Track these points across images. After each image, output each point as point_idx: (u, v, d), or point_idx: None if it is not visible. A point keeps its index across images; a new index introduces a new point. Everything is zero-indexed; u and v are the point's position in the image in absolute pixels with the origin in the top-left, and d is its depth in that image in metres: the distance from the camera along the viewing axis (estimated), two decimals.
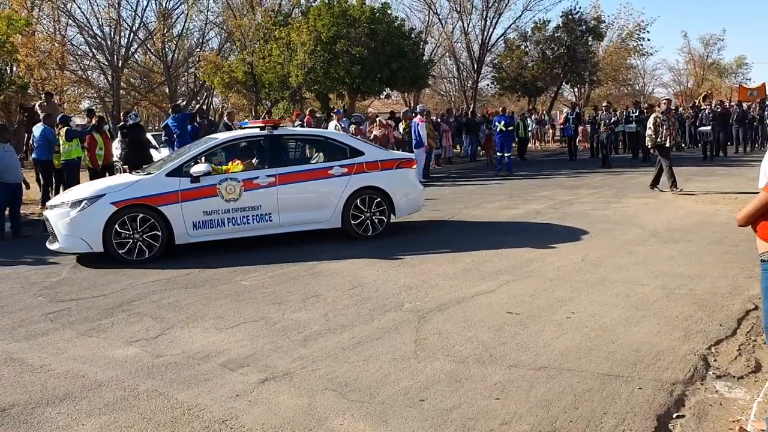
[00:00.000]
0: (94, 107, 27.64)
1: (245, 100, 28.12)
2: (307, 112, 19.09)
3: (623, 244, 8.14)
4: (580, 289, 6.13)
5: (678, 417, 3.66)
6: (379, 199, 8.99)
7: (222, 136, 9.38)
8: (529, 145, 26.54)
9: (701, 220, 9.72)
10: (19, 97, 20.93)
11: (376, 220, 9.00)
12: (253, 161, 8.88)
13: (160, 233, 7.88)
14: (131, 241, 7.76)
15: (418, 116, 17.94)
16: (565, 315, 5.38)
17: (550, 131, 32.07)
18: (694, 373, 4.18)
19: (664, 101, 14.60)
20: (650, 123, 13.23)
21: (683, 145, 24.92)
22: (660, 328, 5.01)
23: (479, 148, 22.16)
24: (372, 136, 16.58)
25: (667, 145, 12.97)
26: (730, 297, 5.76)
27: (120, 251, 7.70)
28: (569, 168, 19.31)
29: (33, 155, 12.62)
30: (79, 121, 24.44)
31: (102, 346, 5.00)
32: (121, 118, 14.91)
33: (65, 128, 12.22)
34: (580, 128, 22.78)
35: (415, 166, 9.86)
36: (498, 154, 19.11)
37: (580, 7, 32.14)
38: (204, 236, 8.17)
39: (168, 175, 8.11)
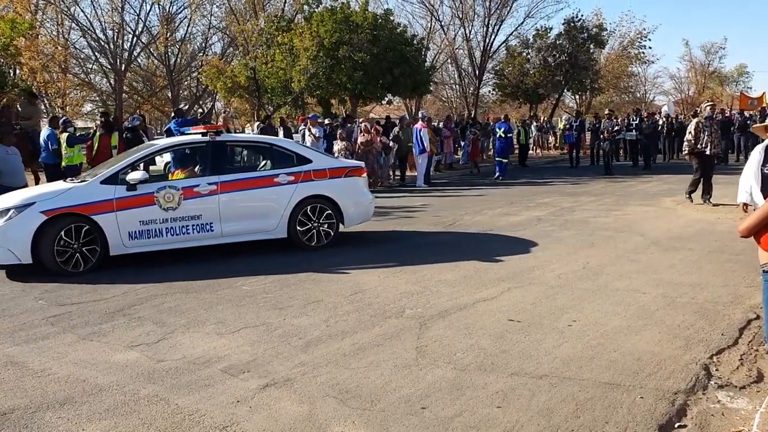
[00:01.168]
0: (96, 110, 27.73)
1: (247, 105, 28.16)
2: (308, 117, 19.11)
3: (624, 251, 8.13)
4: (582, 297, 6.13)
5: (680, 427, 3.65)
6: (327, 209, 8.74)
7: (162, 142, 9.06)
8: (530, 152, 26.57)
9: (702, 228, 9.72)
10: (22, 100, 20.97)
11: (324, 230, 8.76)
12: (195, 169, 8.65)
13: (96, 244, 7.52)
14: (70, 251, 7.39)
15: (420, 122, 17.99)
16: (566, 323, 5.37)
17: (552, 138, 32.11)
18: (695, 383, 4.17)
19: (708, 105, 13.16)
20: (691, 128, 12.41)
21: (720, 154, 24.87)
22: (661, 337, 5.00)
23: (468, 154, 21.81)
24: (358, 143, 16.64)
25: (707, 152, 12.05)
26: (731, 306, 5.76)
27: (60, 261, 7.31)
28: (570, 175, 19.33)
29: (41, 158, 12.70)
30: (81, 124, 24.48)
31: (103, 351, 4.99)
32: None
33: (66, 133, 12.25)
34: (582, 135, 22.84)
35: (364, 175, 9.52)
36: (497, 159, 19.25)
37: (582, 15, 32.00)
38: (140, 247, 7.80)
39: (103, 182, 7.72)
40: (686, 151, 12.47)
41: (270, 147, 9.15)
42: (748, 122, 22.90)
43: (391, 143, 17.61)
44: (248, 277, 7.24)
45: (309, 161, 8.84)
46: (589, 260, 7.67)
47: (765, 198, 5.79)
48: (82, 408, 3.98)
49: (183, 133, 10.40)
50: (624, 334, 5.07)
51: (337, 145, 16.68)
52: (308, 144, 15.60)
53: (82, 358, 4.84)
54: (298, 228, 8.57)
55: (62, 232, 7.32)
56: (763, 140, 6.03)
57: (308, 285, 6.87)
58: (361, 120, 18.68)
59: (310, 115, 18.83)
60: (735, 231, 5.95)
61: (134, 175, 7.75)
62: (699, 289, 6.35)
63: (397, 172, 18.59)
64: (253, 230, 8.41)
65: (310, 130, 16.91)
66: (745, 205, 6.21)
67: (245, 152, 9.79)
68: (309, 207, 8.63)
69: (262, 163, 9.05)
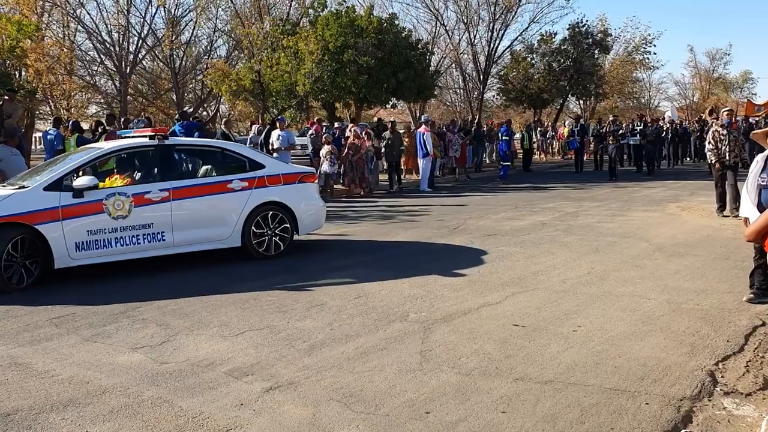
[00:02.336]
0: (101, 113, 27.79)
1: (252, 108, 28.19)
2: (315, 120, 19.15)
3: (629, 257, 8.11)
4: (587, 302, 6.11)
5: None
6: (281, 216, 8.46)
7: (108, 145, 8.41)
8: (534, 157, 26.55)
9: (707, 234, 9.69)
10: (27, 102, 21.02)
11: (279, 238, 8.47)
12: (135, 175, 8.23)
13: (38, 256, 6.96)
14: (15, 265, 6.82)
15: (423, 126, 17.98)
16: (571, 328, 5.35)
17: (556, 143, 32.09)
18: (701, 389, 4.15)
19: (726, 112, 12.22)
20: (710, 137, 11.74)
21: (738, 162, 24.75)
22: (667, 343, 4.98)
23: (455, 162, 21.13)
24: (346, 147, 16.44)
25: (728, 162, 11.37)
26: (737, 312, 5.73)
27: (6, 275, 6.74)
28: (574, 180, 19.30)
29: (45, 159, 12.76)
30: (85, 126, 24.48)
31: (106, 352, 4.99)
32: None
33: (76, 135, 12.29)
34: (585, 139, 22.83)
35: (316, 181, 9.30)
36: (504, 163, 19.40)
37: (586, 20, 32.03)
38: (87, 259, 7.27)
39: (46, 189, 7.11)
40: (712, 161, 11.68)
41: (221, 151, 8.74)
42: (753, 128, 22.88)
43: (382, 148, 17.35)
44: (252, 279, 7.24)
45: (262, 166, 8.54)
46: (594, 266, 7.65)
47: (760, 210, 5.69)
48: (86, 410, 3.97)
49: (120, 136, 9.81)
50: (629, 340, 5.05)
51: (324, 150, 16.54)
52: (275, 146, 15.27)
53: (86, 359, 4.84)
54: (252, 237, 8.26)
55: (9, 246, 6.73)
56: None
57: (312, 288, 6.87)
58: (350, 125, 18.44)
59: (278, 117, 18.09)
60: (740, 237, 5.95)
61: (82, 181, 7.22)
62: (704, 295, 6.32)
63: (387, 178, 17.95)
64: (207, 239, 8.04)
65: (280, 134, 15.83)
66: (746, 219, 5.90)
67: (195, 157, 8.96)
68: (263, 214, 8.34)
69: (213, 168, 8.54)
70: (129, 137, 9.05)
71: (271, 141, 15.83)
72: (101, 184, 7.47)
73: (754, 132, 4.80)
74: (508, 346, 4.97)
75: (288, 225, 8.52)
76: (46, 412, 3.95)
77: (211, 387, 4.28)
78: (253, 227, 8.25)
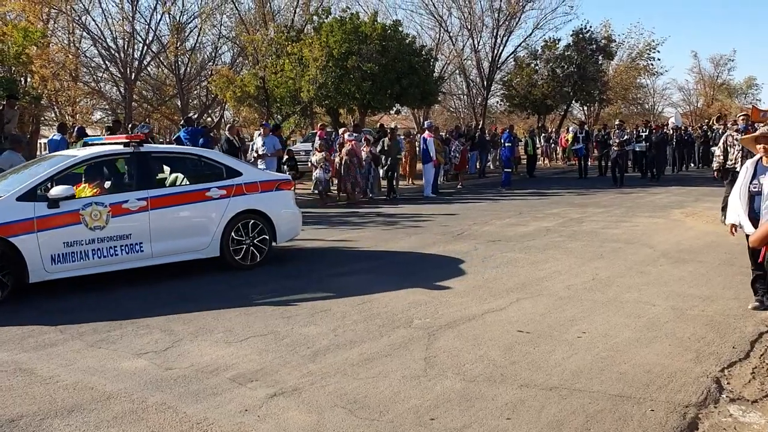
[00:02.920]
0: (106, 119, 27.88)
1: (257, 114, 28.25)
2: (318, 127, 19.16)
3: (634, 263, 8.09)
4: (591, 309, 6.09)
5: None
6: (260, 224, 8.21)
7: (82, 153, 7.86)
8: (538, 163, 26.54)
9: (712, 240, 9.66)
10: (33, 108, 21.13)
11: (257, 248, 8.21)
12: (110, 183, 7.98)
13: (10, 269, 6.60)
14: None
15: (427, 132, 17.99)
16: (576, 334, 5.34)
17: (559, 149, 32.06)
18: (707, 396, 4.13)
19: (741, 117, 12.10)
20: (721, 142, 11.46)
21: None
22: (672, 350, 4.96)
23: (454, 168, 20.89)
24: (342, 151, 16.10)
25: (738, 169, 10.77)
26: (742, 319, 5.71)
27: None
28: (578, 186, 19.28)
29: None
30: (90, 132, 24.57)
31: (111, 358, 4.99)
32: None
33: (82, 141, 12.32)
34: (588, 145, 22.83)
35: (292, 188, 9.10)
36: (506, 170, 19.42)
37: (590, 26, 32.13)
38: (63, 272, 6.94)
39: (19, 199, 6.75)
40: (715, 167, 11.53)
41: (198, 158, 8.50)
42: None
43: (381, 155, 16.88)
44: (256, 285, 7.24)
45: (239, 174, 8.31)
46: (599, 272, 7.63)
47: (750, 218, 5.66)
48: (90, 415, 3.97)
49: (86, 143, 9.45)
50: (634, 346, 5.04)
51: (315, 157, 16.27)
52: (260, 152, 15.10)
53: (91, 365, 4.85)
54: (231, 246, 8.01)
55: None
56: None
57: (315, 294, 6.87)
58: (342, 130, 18.33)
59: (263, 123, 17.75)
60: (745, 243, 5.92)
61: (57, 191, 6.86)
62: (709, 301, 6.30)
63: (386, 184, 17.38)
64: (185, 249, 7.76)
65: (261, 140, 15.58)
66: (733, 226, 5.87)
67: (172, 164, 8.55)
68: (242, 223, 8.10)
69: (190, 176, 8.24)
70: (99, 144, 8.68)
71: (255, 147, 15.68)
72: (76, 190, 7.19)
73: (742, 138, 4.76)
74: (512, 352, 4.95)
75: (266, 234, 8.29)
76: (51, 417, 3.96)
77: (216, 393, 4.28)
78: (232, 236, 8.02)
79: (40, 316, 6.16)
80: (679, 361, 4.73)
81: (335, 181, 16.85)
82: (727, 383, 4.36)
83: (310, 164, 17.55)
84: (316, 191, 16.44)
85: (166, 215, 7.59)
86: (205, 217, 7.95)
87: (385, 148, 17.00)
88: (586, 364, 4.67)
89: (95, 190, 7.48)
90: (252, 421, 3.87)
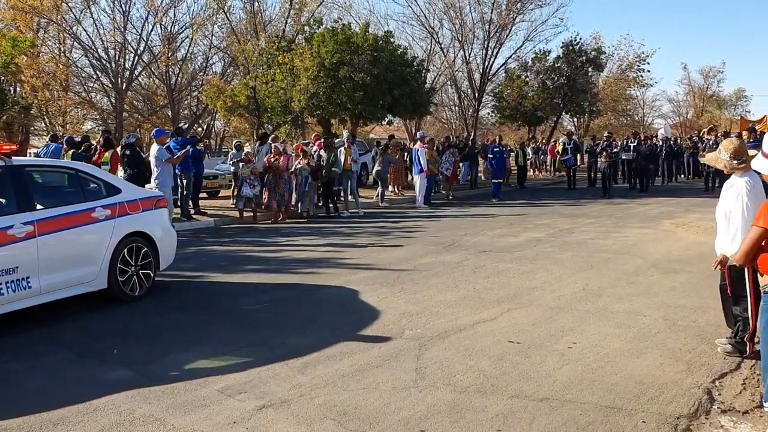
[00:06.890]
0: (97, 129, 27.77)
1: (247, 124, 28.24)
2: (313, 137, 19.11)
3: (624, 274, 8.10)
4: (582, 319, 6.09)
5: None
6: (145, 248, 7.22)
7: None
8: (529, 174, 26.62)
9: (702, 251, 9.67)
10: (22, 118, 21.05)
11: (143, 276, 7.18)
12: None
13: None
14: None
15: (419, 142, 18.01)
16: (566, 345, 5.33)
17: (549, 159, 32.20)
18: (698, 407, 4.12)
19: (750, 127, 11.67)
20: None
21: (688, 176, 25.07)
22: (663, 361, 4.95)
23: (445, 180, 20.48)
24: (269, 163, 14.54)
25: None
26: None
27: None
28: (568, 197, 19.34)
29: None
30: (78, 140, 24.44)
31: (98, 369, 4.93)
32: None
33: (72, 150, 12.28)
34: (578, 155, 22.94)
35: (168, 206, 8.20)
36: (495, 181, 19.49)
37: (580, 38, 32.32)
38: None
39: None
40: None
41: (75, 173, 7.09)
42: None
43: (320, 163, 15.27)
44: (246, 296, 7.20)
45: (119, 190, 7.25)
46: (589, 282, 7.63)
47: (721, 243, 5.61)
48: (77, 428, 3.92)
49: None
50: (625, 357, 5.03)
51: (244, 171, 14.56)
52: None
53: (78, 376, 4.79)
54: (119, 275, 6.89)
55: None
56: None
57: (307, 304, 6.83)
58: (272, 138, 17.67)
59: (155, 129, 14.80)
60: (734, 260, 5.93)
61: None
62: (700, 312, 6.31)
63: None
64: (75, 282, 6.51)
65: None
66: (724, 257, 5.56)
67: (50, 180, 7.39)
68: (128, 248, 7.03)
69: (71, 193, 6.99)
70: None
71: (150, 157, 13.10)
72: None
73: (706, 157, 4.69)
74: (503, 362, 4.93)
75: (151, 259, 7.31)
76: (36, 430, 3.90)
77: (204, 405, 4.23)
78: (119, 264, 6.92)
79: (28, 327, 6.08)
80: (670, 372, 4.72)
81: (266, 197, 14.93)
82: (719, 394, 4.36)
83: (233, 170, 16.09)
84: (240, 207, 14.75)
85: (54, 242, 6.29)
86: (94, 241, 6.77)
87: (321, 161, 15.35)
88: (577, 375, 4.65)
89: None
90: None
